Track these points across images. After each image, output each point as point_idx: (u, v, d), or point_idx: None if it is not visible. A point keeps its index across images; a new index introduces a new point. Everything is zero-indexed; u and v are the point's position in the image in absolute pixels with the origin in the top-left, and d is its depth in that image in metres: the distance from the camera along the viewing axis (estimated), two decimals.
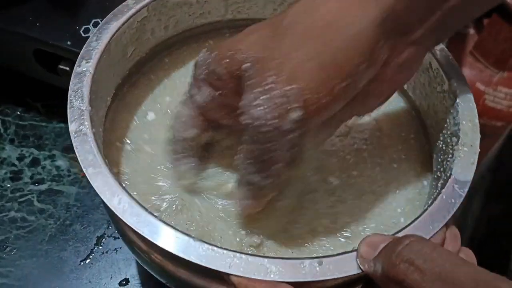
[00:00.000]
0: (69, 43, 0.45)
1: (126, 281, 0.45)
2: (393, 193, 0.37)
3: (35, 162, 0.50)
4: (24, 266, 0.44)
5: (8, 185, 0.48)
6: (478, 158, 0.32)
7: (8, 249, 0.45)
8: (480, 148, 0.33)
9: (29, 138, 0.52)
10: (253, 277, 0.26)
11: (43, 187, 0.49)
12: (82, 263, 0.45)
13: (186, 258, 0.26)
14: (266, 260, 0.26)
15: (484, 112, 0.86)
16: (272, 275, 0.26)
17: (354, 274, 0.26)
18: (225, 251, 0.26)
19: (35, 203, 0.48)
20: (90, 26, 0.46)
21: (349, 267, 0.26)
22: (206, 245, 0.26)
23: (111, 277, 0.45)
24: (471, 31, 0.99)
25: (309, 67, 0.27)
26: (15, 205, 0.47)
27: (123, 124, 0.38)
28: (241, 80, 0.29)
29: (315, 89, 0.27)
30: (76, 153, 0.29)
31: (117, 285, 0.44)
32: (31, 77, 0.52)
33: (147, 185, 0.36)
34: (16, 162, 0.50)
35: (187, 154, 0.35)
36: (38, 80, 0.51)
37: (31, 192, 0.48)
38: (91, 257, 0.45)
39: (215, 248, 0.26)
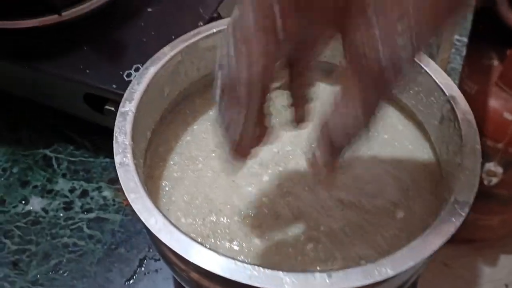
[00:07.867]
0: (114, 86, 0.50)
1: None
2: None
3: (84, 193, 0.56)
4: (76, 286, 0.49)
5: (61, 215, 0.54)
6: None
7: (61, 271, 0.50)
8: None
9: (79, 172, 0.57)
10: (268, 287, 0.29)
11: (91, 215, 0.54)
12: (127, 283, 0.49)
13: (210, 270, 0.29)
14: (281, 273, 0.29)
15: None
16: (286, 286, 0.28)
17: (362, 286, 0.29)
18: (245, 265, 0.29)
19: (85, 229, 0.53)
20: (132, 71, 0.51)
21: (357, 279, 0.29)
22: (229, 259, 0.30)
23: None
24: (495, 62, 1.01)
25: None
26: (67, 232, 0.53)
27: (163, 155, 0.42)
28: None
29: None
30: (120, 181, 0.34)
31: None
32: (78, 117, 0.58)
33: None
34: (68, 194, 0.55)
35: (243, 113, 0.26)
36: (85, 119, 0.57)
37: (81, 220, 0.53)
38: (134, 277, 0.50)
39: (237, 262, 0.30)
